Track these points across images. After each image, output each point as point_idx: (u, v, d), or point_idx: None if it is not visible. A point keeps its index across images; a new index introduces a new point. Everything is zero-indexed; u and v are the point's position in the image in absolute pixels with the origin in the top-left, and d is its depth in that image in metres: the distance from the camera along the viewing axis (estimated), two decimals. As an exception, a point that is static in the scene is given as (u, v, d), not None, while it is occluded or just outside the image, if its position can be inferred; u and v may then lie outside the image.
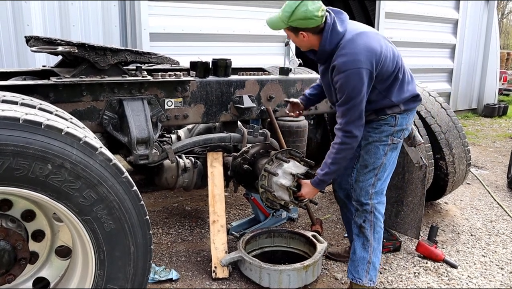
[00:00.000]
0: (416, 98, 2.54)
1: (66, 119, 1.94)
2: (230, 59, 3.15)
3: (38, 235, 1.98)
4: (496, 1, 10.05)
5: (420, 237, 3.26)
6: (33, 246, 1.97)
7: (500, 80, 11.53)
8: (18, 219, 1.92)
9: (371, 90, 2.36)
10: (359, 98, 2.27)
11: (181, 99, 2.86)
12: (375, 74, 2.31)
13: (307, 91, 2.92)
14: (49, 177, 1.68)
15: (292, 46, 3.58)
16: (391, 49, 2.40)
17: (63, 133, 1.69)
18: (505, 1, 25.13)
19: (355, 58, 2.24)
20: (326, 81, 2.51)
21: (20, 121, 1.61)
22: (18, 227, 1.88)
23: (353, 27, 2.39)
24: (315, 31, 2.34)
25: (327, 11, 2.37)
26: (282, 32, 2.57)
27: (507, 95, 13.73)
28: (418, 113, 3.56)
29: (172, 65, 3.18)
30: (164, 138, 3.10)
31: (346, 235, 3.36)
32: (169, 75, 2.80)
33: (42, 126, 1.65)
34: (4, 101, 1.82)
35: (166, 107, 2.81)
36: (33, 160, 1.64)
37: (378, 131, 2.51)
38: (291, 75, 3.45)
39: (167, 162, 3.07)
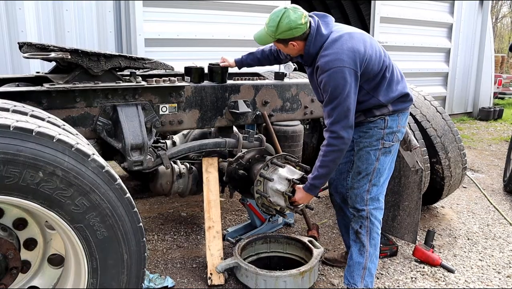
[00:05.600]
0: (405, 97, 2.51)
1: (59, 126, 1.92)
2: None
3: (30, 244, 1.95)
4: (490, 5, 10.11)
5: (417, 241, 3.24)
6: (25, 254, 1.94)
7: (495, 83, 11.61)
8: (10, 227, 1.89)
9: (358, 90, 2.35)
10: (343, 96, 2.25)
11: (175, 105, 2.85)
12: (360, 74, 2.30)
13: (245, 55, 3.09)
14: (40, 185, 1.66)
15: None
16: (377, 49, 2.40)
17: (54, 140, 1.67)
18: (498, 4, 25.33)
19: (337, 58, 2.24)
20: (314, 83, 2.52)
21: (11, 128, 1.59)
22: (9, 236, 1.85)
23: (338, 28, 2.39)
24: (302, 37, 2.36)
25: (311, 16, 2.39)
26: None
27: (502, 98, 13.80)
28: (413, 117, 3.56)
29: (167, 71, 3.17)
30: (159, 144, 3.08)
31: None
32: (164, 81, 2.78)
33: (33, 133, 1.63)
34: (-5, 108, 1.80)
35: (161, 112, 2.79)
36: (24, 168, 1.61)
37: (368, 135, 2.50)
38: (286, 80, 3.45)
39: (162, 168, 3.06)
